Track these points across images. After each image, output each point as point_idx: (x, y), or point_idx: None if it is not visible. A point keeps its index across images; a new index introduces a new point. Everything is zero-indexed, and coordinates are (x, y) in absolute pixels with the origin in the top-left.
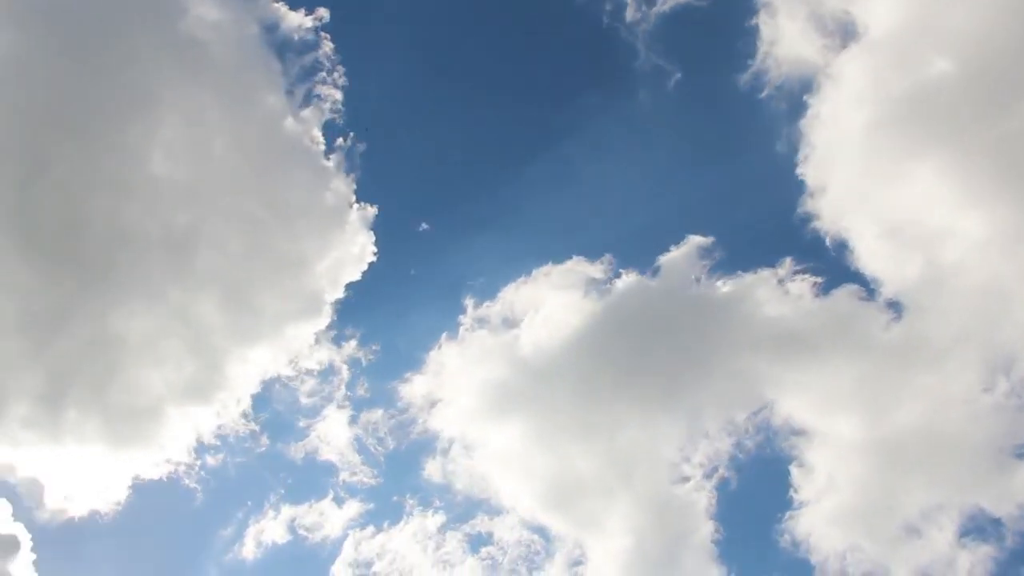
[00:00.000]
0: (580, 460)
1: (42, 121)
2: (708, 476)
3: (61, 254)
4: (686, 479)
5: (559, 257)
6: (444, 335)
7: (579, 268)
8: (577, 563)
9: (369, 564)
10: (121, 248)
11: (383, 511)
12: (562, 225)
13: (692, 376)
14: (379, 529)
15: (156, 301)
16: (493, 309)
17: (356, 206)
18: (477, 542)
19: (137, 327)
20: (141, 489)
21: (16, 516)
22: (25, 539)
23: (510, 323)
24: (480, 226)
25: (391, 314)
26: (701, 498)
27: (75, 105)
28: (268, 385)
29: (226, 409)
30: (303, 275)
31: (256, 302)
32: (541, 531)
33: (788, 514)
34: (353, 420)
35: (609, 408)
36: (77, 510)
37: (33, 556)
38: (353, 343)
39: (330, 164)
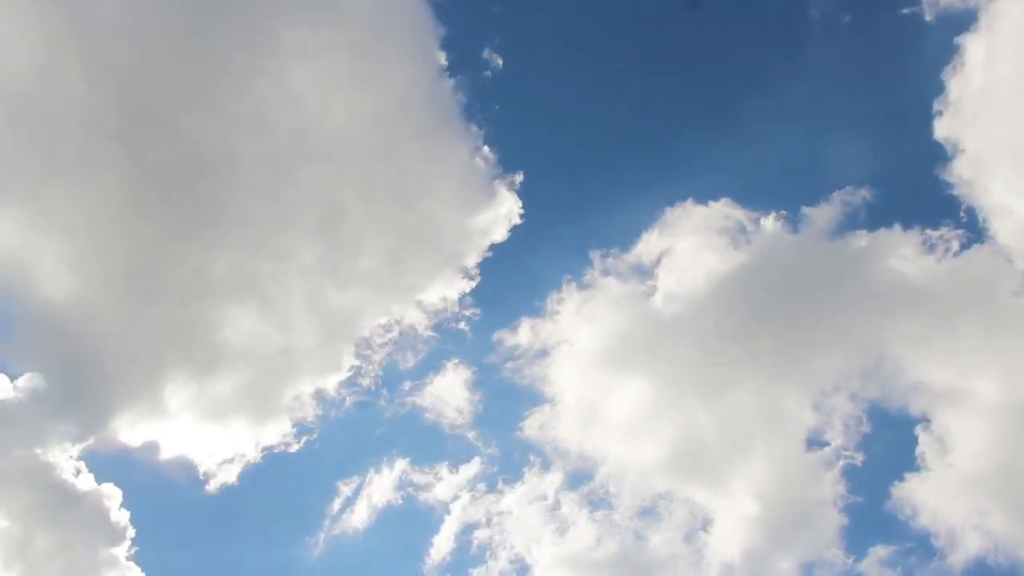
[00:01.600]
0: (705, 418)
1: (159, 57)
2: (836, 438)
3: (176, 202)
4: (814, 440)
5: (703, 197)
6: (575, 287)
7: (725, 211)
8: (700, 526)
9: (480, 525)
10: (247, 197)
11: (498, 471)
12: (712, 169)
13: (824, 333)
14: (493, 489)
15: (279, 253)
16: (627, 258)
17: (502, 170)
18: (595, 504)
19: (264, 281)
20: (260, 454)
21: (126, 503)
22: (130, 528)
23: (644, 271)
24: (627, 172)
25: (526, 272)
26: (828, 460)
27: (196, 40)
28: (395, 341)
29: (349, 366)
30: (441, 235)
31: (386, 258)
32: (663, 493)
33: (913, 478)
34: (474, 378)
35: (737, 364)
36: (195, 482)
37: (135, 548)
38: (483, 301)
39: (481, 129)
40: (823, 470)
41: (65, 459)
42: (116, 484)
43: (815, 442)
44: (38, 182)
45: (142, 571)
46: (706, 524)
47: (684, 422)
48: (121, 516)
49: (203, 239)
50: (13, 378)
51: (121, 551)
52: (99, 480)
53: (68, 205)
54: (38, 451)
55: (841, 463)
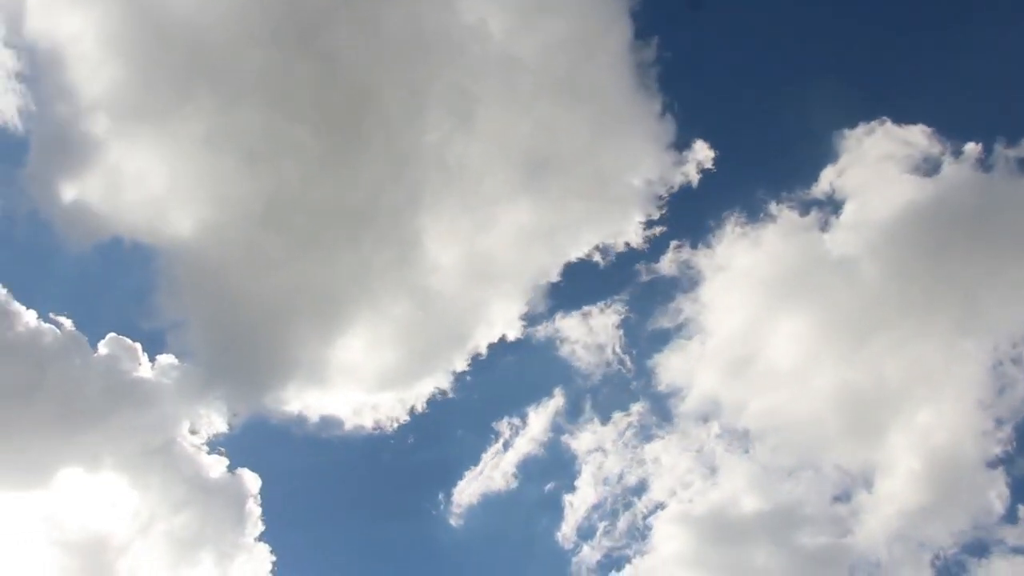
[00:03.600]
0: (871, 366)
1: None
2: (1012, 393)
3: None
4: (988, 396)
5: (899, 119)
6: (752, 225)
7: (917, 138)
8: (857, 484)
9: (623, 474)
10: (410, 129)
11: (647, 417)
12: (911, 91)
13: (1007, 279)
14: (641, 436)
15: (442, 190)
16: (809, 192)
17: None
18: (746, 454)
19: (426, 220)
20: (412, 409)
21: (260, 486)
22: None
23: (824, 204)
24: (823, 96)
25: (709, 216)
26: (1002, 418)
27: None
28: (568, 284)
29: (519, 313)
30: (622, 181)
31: (568, 201)
32: (820, 445)
33: None
34: (630, 317)
35: (908, 308)
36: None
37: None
38: (663, 246)
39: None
40: (995, 428)
41: (199, 441)
42: (252, 469)
43: (989, 397)
44: (177, 97)
45: (271, 550)
46: (863, 482)
47: (848, 369)
48: (252, 500)
49: (360, 171)
50: (152, 355)
51: (251, 535)
52: (234, 463)
53: (207, 123)
54: (173, 433)
55: (1017, 420)
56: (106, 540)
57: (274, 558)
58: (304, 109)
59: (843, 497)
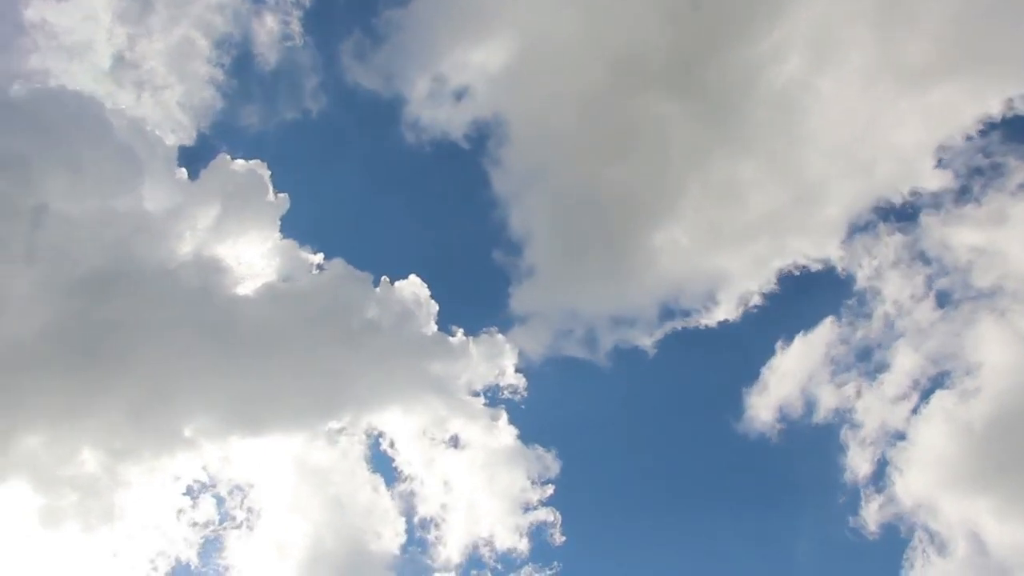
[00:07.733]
0: None
1: None
2: None
3: None
4: None
5: None
6: None
7: None
8: None
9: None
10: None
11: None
12: None
13: None
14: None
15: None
16: None
17: None
18: None
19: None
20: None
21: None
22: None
23: None
24: None
25: None
26: None
27: None
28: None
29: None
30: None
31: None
32: None
33: None
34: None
35: None
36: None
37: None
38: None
39: None
40: None
41: (488, 401)
42: (544, 440)
43: None
44: None
45: (560, 515)
46: None
47: None
48: (537, 466)
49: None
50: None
51: (537, 497)
52: (525, 431)
53: None
54: (463, 391)
55: None
56: (375, 494)
57: (563, 523)
58: None
59: None
